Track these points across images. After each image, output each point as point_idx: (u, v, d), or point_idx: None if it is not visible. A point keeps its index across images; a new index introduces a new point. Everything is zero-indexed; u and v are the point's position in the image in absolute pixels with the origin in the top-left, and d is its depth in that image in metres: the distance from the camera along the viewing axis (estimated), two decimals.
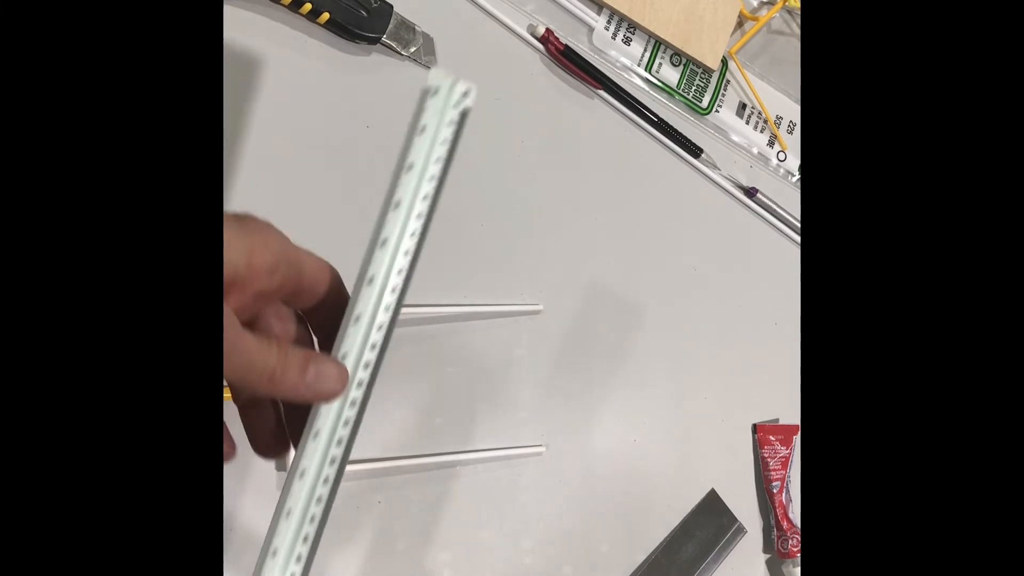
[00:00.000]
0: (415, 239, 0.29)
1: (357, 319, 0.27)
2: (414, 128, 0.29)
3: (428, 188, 0.29)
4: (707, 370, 0.53)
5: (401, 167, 0.29)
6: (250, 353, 0.22)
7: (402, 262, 0.28)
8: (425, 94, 0.29)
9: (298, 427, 0.26)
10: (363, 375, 0.28)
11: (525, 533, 0.45)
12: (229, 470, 0.38)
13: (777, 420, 0.56)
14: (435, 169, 0.29)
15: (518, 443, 0.46)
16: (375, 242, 0.28)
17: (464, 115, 0.29)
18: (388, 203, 0.29)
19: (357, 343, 0.27)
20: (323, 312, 0.27)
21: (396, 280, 0.28)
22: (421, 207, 0.29)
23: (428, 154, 0.29)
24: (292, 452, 0.28)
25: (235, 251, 0.22)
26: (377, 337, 0.28)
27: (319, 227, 0.35)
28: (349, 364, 0.27)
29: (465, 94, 0.29)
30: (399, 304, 0.28)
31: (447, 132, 0.29)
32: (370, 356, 0.28)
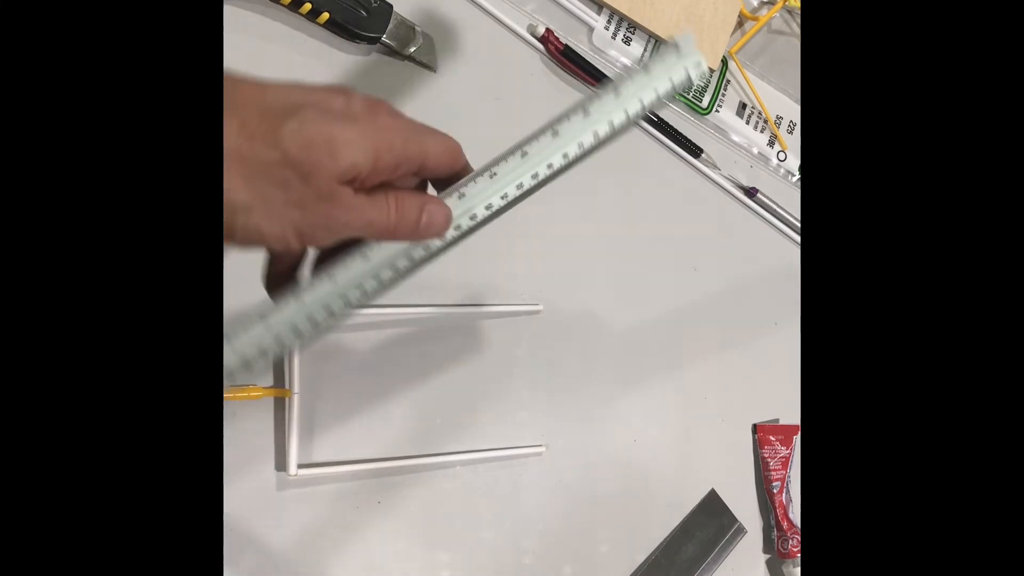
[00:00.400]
0: (581, 150, 0.31)
1: (493, 175, 0.29)
2: (637, 68, 0.32)
3: (620, 118, 0.31)
4: (707, 370, 0.53)
5: (607, 89, 0.31)
6: (370, 216, 0.25)
7: (560, 160, 0.31)
8: (669, 48, 0.31)
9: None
10: (467, 222, 0.29)
11: (525, 533, 0.45)
12: (229, 470, 0.38)
13: (777, 420, 0.56)
14: (634, 107, 0.31)
15: (518, 443, 0.46)
16: (547, 129, 0.31)
17: (683, 85, 0.31)
18: (577, 109, 0.31)
19: (482, 193, 0.29)
20: (441, 178, 0.29)
21: (545, 169, 0.31)
22: (602, 129, 0.31)
23: (637, 93, 0.31)
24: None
25: (360, 151, 0.24)
26: (498, 201, 0.30)
27: None
28: (461, 206, 0.29)
29: (697, 65, 0.32)
30: (539, 184, 0.31)
31: (664, 86, 0.31)
32: (483, 212, 0.30)
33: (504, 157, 0.29)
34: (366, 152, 0.24)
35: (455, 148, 0.28)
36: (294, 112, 0.23)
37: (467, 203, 0.29)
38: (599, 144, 0.32)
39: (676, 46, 0.31)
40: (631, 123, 0.32)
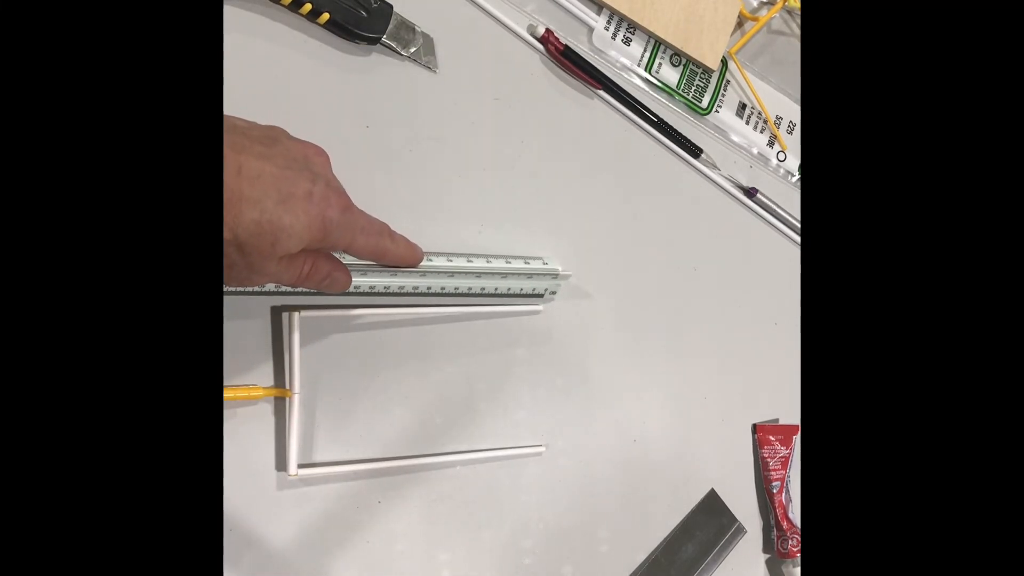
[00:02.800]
0: (454, 291, 0.43)
1: (394, 273, 0.40)
2: (528, 267, 0.45)
3: (492, 287, 0.44)
4: (707, 370, 0.53)
5: (501, 270, 0.44)
6: (282, 277, 0.32)
7: (444, 287, 0.42)
8: (549, 274, 0.45)
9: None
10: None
11: (525, 533, 0.45)
12: (229, 470, 0.38)
13: (777, 420, 0.56)
14: (504, 287, 0.45)
15: (518, 443, 0.46)
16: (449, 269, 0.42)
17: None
18: (474, 273, 0.43)
19: (379, 277, 0.40)
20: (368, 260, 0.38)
21: (426, 287, 0.42)
22: (477, 286, 0.44)
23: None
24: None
25: (297, 242, 0.30)
26: (382, 289, 0.41)
27: None
28: (362, 278, 0.39)
29: (552, 293, 0.47)
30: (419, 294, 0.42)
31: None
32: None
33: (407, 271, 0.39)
34: (302, 241, 0.30)
35: (381, 251, 0.36)
36: (257, 201, 0.28)
37: (367, 278, 0.39)
38: (470, 294, 0.43)
39: (556, 274, 0.45)
40: (494, 295, 0.44)
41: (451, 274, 0.41)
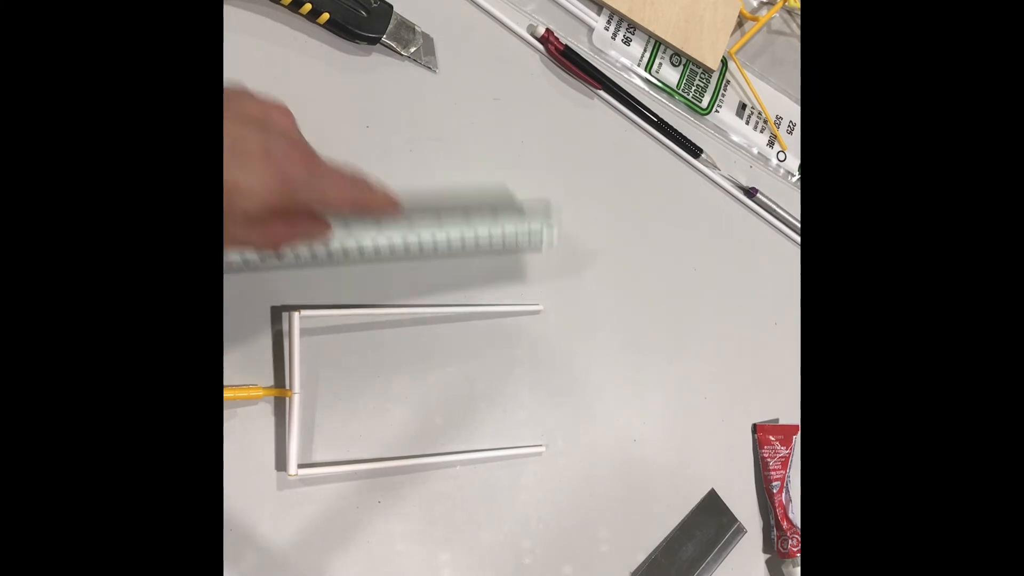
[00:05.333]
0: (451, 237, 0.41)
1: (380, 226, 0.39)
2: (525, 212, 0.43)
3: (483, 233, 0.42)
4: (707, 370, 0.53)
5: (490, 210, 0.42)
6: (250, 241, 0.31)
7: (436, 238, 0.41)
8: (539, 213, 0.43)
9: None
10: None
11: (525, 533, 0.45)
12: (229, 470, 0.38)
13: (777, 420, 0.56)
14: (496, 233, 0.42)
15: (518, 443, 0.46)
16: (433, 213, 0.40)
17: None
18: (468, 213, 0.41)
19: (365, 233, 0.39)
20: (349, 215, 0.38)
21: (415, 240, 0.40)
22: (467, 234, 0.42)
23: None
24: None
25: (255, 201, 0.29)
26: (369, 246, 0.39)
27: None
28: (345, 233, 0.38)
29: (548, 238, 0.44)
30: (407, 250, 0.41)
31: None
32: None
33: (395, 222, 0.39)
34: (262, 200, 0.29)
35: (358, 202, 0.34)
36: None
37: (352, 231, 0.38)
38: (464, 248, 0.42)
39: (547, 207, 0.43)
40: (490, 249, 0.43)
41: (438, 214, 0.40)
